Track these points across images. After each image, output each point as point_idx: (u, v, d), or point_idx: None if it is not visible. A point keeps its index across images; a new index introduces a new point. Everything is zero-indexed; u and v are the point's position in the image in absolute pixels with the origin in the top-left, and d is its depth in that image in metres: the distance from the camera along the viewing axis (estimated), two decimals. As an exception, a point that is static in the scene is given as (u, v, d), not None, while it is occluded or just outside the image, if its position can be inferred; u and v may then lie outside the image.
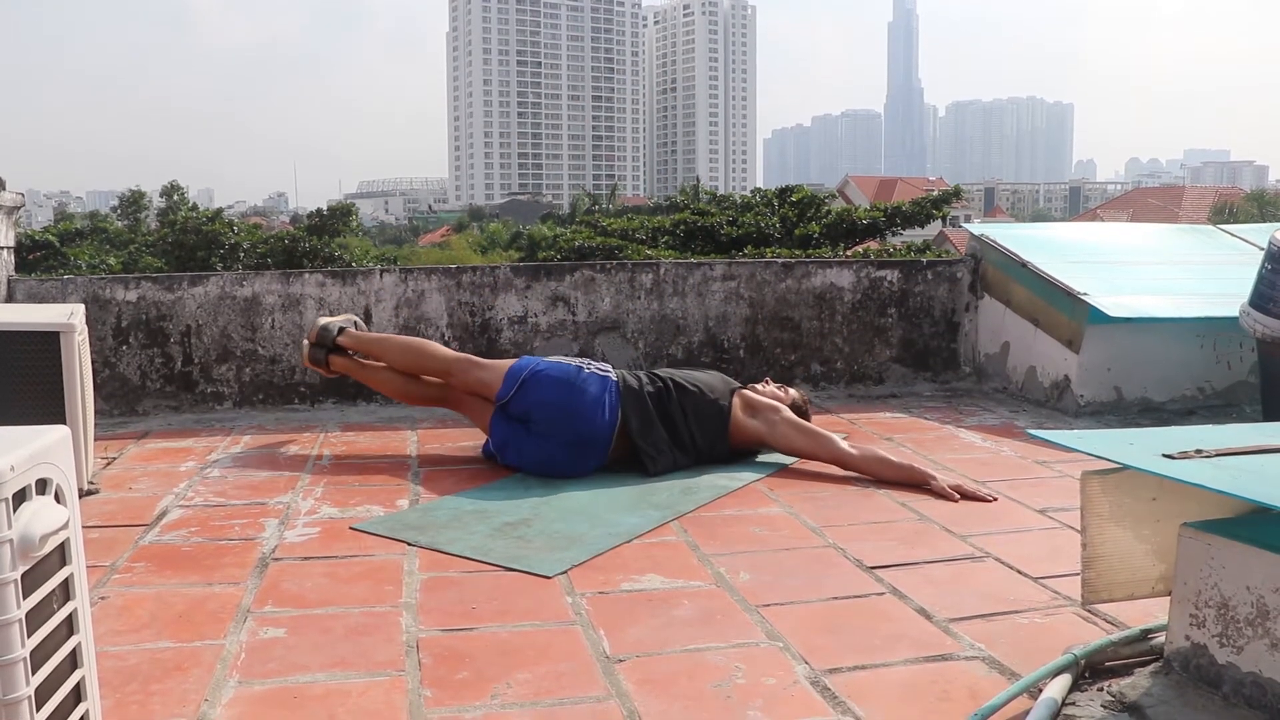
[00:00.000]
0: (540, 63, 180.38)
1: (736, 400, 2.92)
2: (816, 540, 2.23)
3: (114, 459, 2.99)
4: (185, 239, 19.19)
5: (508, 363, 2.93)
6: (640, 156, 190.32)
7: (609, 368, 2.92)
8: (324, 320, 3.17)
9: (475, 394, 2.95)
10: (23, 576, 1.03)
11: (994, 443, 3.17)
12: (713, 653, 1.65)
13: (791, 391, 3.11)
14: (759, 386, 3.10)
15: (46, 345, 2.43)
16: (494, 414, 2.86)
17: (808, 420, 2.97)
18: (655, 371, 2.98)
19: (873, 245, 15.62)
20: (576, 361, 2.92)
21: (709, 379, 2.97)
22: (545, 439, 2.75)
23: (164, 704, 1.47)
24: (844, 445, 2.78)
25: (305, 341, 3.19)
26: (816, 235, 14.14)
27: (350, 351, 3.15)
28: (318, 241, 19.77)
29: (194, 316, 3.71)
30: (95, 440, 2.79)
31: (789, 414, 2.89)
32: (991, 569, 2.04)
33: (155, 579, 1.98)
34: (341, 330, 3.14)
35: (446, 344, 3.84)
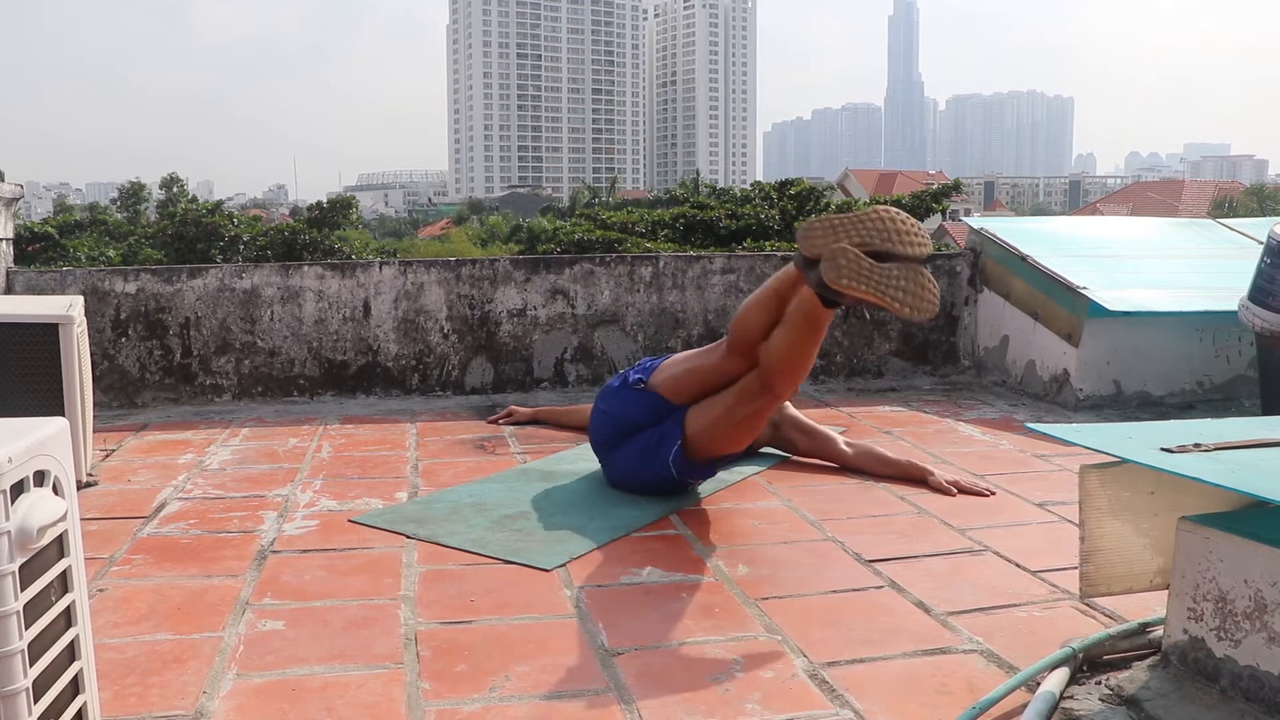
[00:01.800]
0: (540, 56, 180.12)
1: None
2: (815, 533, 2.23)
3: (113, 451, 2.99)
4: (185, 231, 19.14)
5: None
6: (640, 150, 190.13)
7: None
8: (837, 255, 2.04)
9: (719, 382, 2.43)
10: (21, 568, 1.04)
11: (993, 436, 3.17)
12: (711, 646, 1.65)
13: None
14: None
15: (45, 337, 2.43)
16: (657, 415, 2.47)
17: None
18: None
19: (872, 239, 15.58)
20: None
21: None
22: (609, 463, 2.57)
23: (162, 696, 1.47)
24: (842, 443, 2.78)
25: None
26: (816, 228, 14.10)
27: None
28: (318, 234, 19.71)
29: (193, 309, 3.71)
30: (94, 432, 2.79)
31: (791, 413, 2.88)
32: (990, 562, 2.04)
33: (154, 571, 1.99)
34: (834, 299, 2.13)
35: (445, 336, 3.85)
